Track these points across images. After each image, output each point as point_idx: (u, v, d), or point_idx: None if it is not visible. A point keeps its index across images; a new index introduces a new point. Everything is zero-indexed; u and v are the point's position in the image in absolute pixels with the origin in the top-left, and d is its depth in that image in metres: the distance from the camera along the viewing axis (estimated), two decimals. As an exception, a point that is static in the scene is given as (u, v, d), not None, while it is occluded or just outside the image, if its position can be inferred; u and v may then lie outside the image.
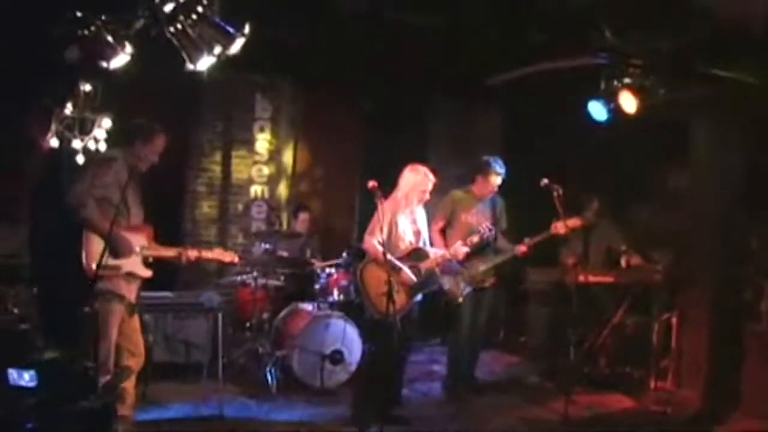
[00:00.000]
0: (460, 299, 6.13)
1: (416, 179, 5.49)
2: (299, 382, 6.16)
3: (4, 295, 5.87)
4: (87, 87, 6.32)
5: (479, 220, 6.20)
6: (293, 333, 6.28)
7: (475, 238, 5.66)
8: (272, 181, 7.88)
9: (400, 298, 5.29)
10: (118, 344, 4.62)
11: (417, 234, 5.60)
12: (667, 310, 6.68)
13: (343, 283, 6.69)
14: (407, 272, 5.34)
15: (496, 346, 8.02)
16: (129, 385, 4.77)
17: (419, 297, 5.57)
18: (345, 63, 7.36)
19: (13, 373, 3.73)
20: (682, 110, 6.49)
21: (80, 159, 6.38)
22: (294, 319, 6.48)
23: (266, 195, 7.85)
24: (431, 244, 6.08)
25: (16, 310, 5.87)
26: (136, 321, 4.78)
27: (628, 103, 6.10)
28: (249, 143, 7.78)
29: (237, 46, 4.67)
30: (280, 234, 7.22)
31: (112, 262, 4.43)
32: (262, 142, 7.84)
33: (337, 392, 6.11)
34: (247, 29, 4.63)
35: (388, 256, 5.16)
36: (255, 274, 6.51)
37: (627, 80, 6.16)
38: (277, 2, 6.10)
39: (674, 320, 6.67)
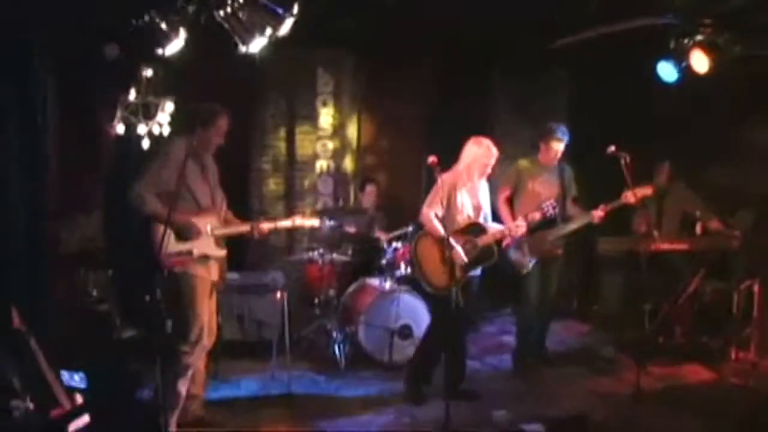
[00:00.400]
0: (526, 270, 6.04)
1: (478, 152, 5.38)
2: (368, 357, 6.21)
3: (84, 278, 6.13)
4: (149, 72, 6.42)
5: (546, 188, 6.08)
6: (361, 309, 6.32)
7: (537, 215, 5.52)
8: (337, 156, 7.87)
9: (452, 272, 5.15)
10: None
11: (477, 208, 5.48)
12: (748, 277, 6.39)
13: (410, 257, 6.67)
14: (459, 251, 5.25)
15: (569, 315, 7.86)
16: (200, 364, 4.93)
17: (477, 271, 5.47)
18: (407, 34, 7.25)
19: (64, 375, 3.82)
20: (761, 65, 6.13)
21: (146, 144, 6.51)
22: (361, 295, 6.51)
23: (332, 170, 7.85)
24: (498, 214, 6.05)
25: (95, 292, 6.14)
26: (214, 301, 4.93)
27: (700, 62, 5.83)
28: (312, 119, 7.76)
29: (286, 26, 4.66)
30: (347, 210, 7.24)
31: (183, 246, 4.59)
32: (326, 116, 7.80)
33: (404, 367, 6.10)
34: (296, 9, 4.59)
35: (442, 232, 5.18)
36: (322, 250, 6.56)
37: (699, 38, 5.88)
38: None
39: (756, 287, 6.37)
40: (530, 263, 6.03)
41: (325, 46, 7.64)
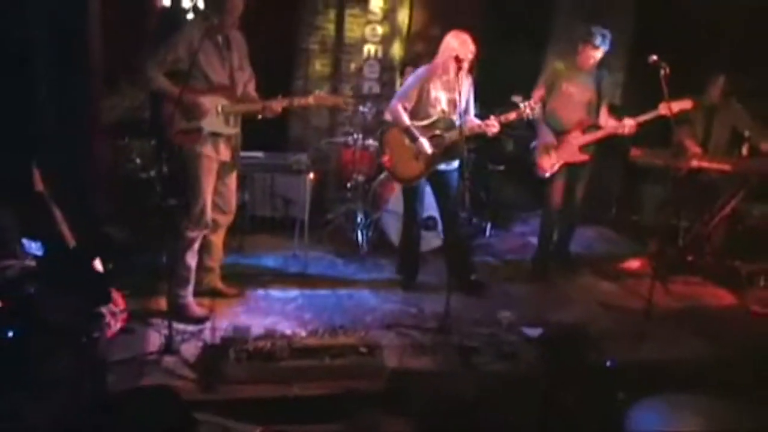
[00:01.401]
0: (548, 173, 5.95)
1: (453, 45, 5.23)
2: (390, 245, 6.33)
3: (128, 146, 6.34)
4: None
5: (580, 91, 5.92)
6: (388, 197, 6.39)
7: (512, 115, 5.26)
8: (386, 41, 7.71)
9: (417, 165, 5.37)
10: (213, 203, 4.91)
11: (452, 103, 5.34)
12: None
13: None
14: (423, 142, 5.28)
15: (605, 223, 7.74)
16: (216, 238, 5.15)
17: (452, 166, 5.48)
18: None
19: (24, 242, 4.00)
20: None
21: (190, 17, 6.53)
22: (390, 183, 6.52)
23: (379, 55, 7.71)
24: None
25: (138, 160, 6.36)
26: (232, 179, 5.04)
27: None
28: (363, 1, 7.58)
29: None
30: (388, 96, 7.16)
31: (191, 124, 4.65)
32: (377, 1, 7.63)
33: (428, 258, 6.18)
34: None
35: (407, 122, 5.28)
36: (357, 135, 6.59)
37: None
38: None
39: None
40: (553, 167, 5.94)
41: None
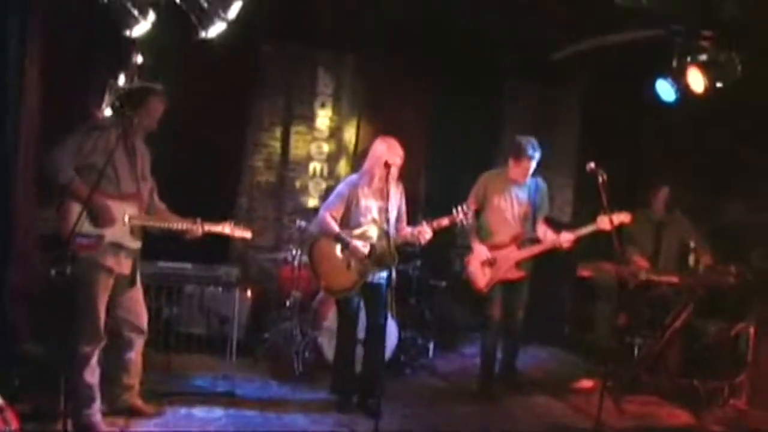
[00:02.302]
0: (484, 290, 5.76)
1: (380, 149, 5.14)
2: (329, 366, 5.98)
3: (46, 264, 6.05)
4: (139, 59, 6.38)
5: (513, 204, 5.81)
6: (326, 315, 6.10)
7: (444, 221, 5.11)
8: (332, 159, 7.72)
9: (349, 275, 5.12)
10: (119, 316, 4.60)
11: (383, 211, 5.10)
12: (743, 319, 5.94)
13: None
14: (357, 245, 5.07)
15: (557, 343, 7.49)
16: (134, 355, 4.78)
17: (382, 278, 5.19)
18: (412, 39, 7.08)
19: None
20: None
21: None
22: (329, 301, 6.26)
23: (325, 172, 7.70)
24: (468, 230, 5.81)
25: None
26: (137, 293, 4.70)
27: (697, 81, 5.45)
28: (309, 119, 7.65)
29: (234, 9, 4.53)
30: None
31: (94, 230, 4.29)
32: (323, 118, 7.69)
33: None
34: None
35: (337, 230, 5.09)
36: (296, 251, 6.38)
37: (701, 57, 5.51)
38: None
39: (751, 330, 5.92)
40: (488, 284, 5.75)
41: (328, 46, 7.53)
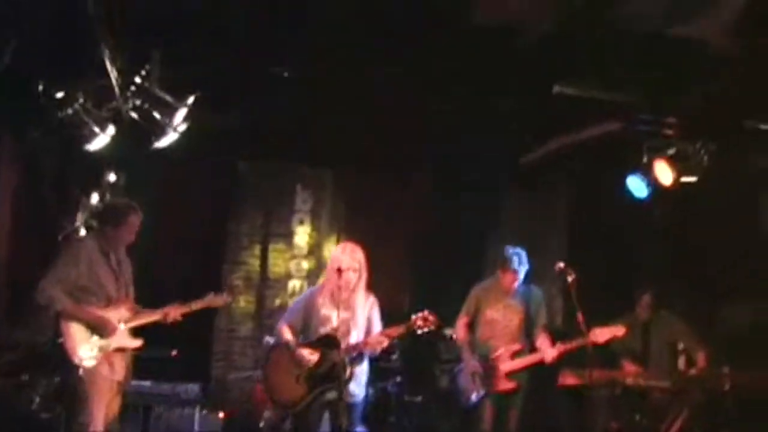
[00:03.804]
0: (472, 401, 5.45)
1: (336, 255, 5.03)
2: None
3: (29, 383, 5.89)
4: (112, 177, 6.44)
5: (505, 315, 5.61)
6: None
7: (400, 328, 4.79)
8: (312, 276, 7.55)
9: (298, 388, 4.71)
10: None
11: (345, 322, 4.79)
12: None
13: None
14: (302, 353, 4.74)
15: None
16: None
17: (358, 396, 4.84)
18: (392, 153, 7.12)
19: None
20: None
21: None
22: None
23: (305, 290, 7.51)
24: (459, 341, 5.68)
25: (38, 399, 5.86)
26: (116, 404, 4.69)
27: (665, 174, 5.35)
28: (287, 237, 7.58)
29: (179, 117, 4.58)
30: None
31: (100, 342, 4.50)
32: (302, 235, 7.61)
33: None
34: (190, 99, 4.51)
35: (288, 337, 4.83)
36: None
37: (669, 151, 5.44)
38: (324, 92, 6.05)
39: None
40: (478, 394, 5.45)
41: (305, 162, 7.58)
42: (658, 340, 6.01)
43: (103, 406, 4.49)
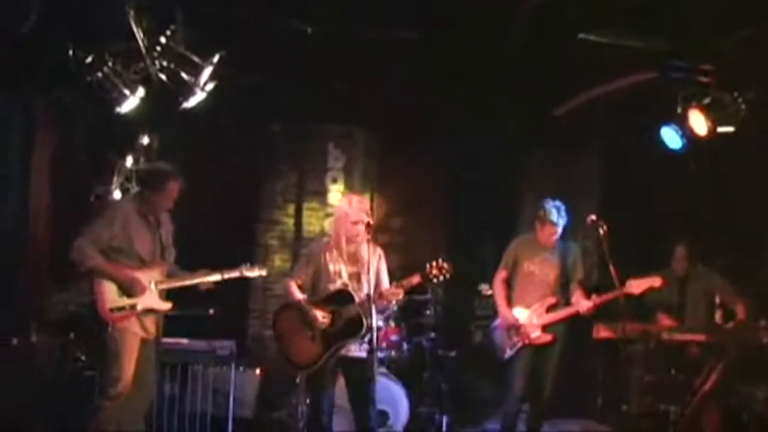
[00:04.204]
0: (507, 354, 5.46)
1: (343, 209, 4.84)
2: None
3: (74, 342, 6.07)
4: (145, 140, 6.51)
5: (543, 268, 5.57)
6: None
7: (415, 278, 4.68)
8: (347, 233, 7.58)
9: (314, 347, 4.61)
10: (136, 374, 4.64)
11: (355, 276, 4.73)
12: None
13: (393, 338, 6.22)
14: (317, 315, 4.62)
15: (590, 414, 6.99)
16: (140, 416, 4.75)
17: (358, 352, 4.68)
18: (423, 109, 7.07)
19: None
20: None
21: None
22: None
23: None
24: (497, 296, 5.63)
25: (84, 357, 6.05)
26: (149, 362, 4.76)
27: (699, 124, 5.20)
28: (321, 195, 7.59)
29: (205, 76, 4.59)
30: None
31: (127, 301, 4.59)
32: (336, 193, 7.61)
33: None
34: (215, 58, 4.51)
35: (298, 297, 4.73)
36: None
37: (705, 100, 5.28)
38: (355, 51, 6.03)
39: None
40: (513, 347, 5.45)
41: (338, 121, 7.58)
42: (694, 294, 5.91)
43: (132, 362, 4.57)
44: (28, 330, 5.67)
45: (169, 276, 4.81)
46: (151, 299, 4.66)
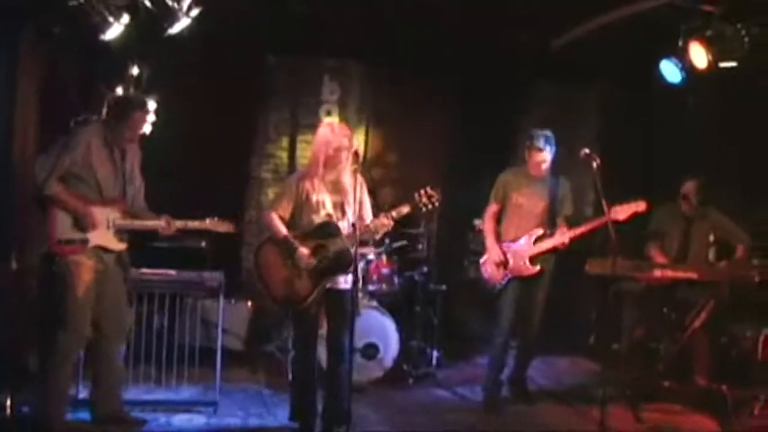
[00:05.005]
0: (498, 285, 5.45)
1: (324, 135, 4.60)
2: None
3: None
4: (135, 70, 6.38)
5: (531, 200, 5.50)
6: (322, 323, 5.85)
7: (404, 208, 4.53)
8: (341, 167, 7.51)
9: (303, 283, 4.47)
10: (101, 316, 4.51)
11: (339, 206, 4.59)
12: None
13: (385, 271, 6.20)
14: (303, 251, 4.44)
15: (582, 352, 7.03)
16: (118, 359, 4.69)
17: (346, 284, 4.56)
18: (420, 42, 6.89)
19: None
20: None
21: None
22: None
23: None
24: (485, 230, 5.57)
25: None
26: (120, 293, 4.66)
27: (699, 57, 5.06)
28: (315, 128, 7.31)
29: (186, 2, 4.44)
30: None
31: (78, 235, 4.39)
32: (330, 126, 7.48)
33: (368, 390, 5.65)
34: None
35: (283, 231, 4.53)
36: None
37: (706, 32, 5.12)
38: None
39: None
40: (502, 279, 5.44)
41: (333, 53, 7.42)
42: (700, 235, 5.87)
43: (86, 295, 4.39)
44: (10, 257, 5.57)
45: (130, 215, 4.59)
46: (105, 237, 4.46)
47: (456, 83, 7.59)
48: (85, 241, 4.39)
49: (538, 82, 7.79)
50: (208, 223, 4.76)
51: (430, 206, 4.51)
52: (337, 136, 4.55)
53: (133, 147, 4.70)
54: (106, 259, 4.51)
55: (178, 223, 4.65)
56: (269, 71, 7.45)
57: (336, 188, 4.61)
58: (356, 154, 4.55)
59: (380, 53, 7.28)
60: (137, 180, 4.72)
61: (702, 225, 5.89)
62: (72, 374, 4.57)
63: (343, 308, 4.51)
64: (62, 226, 4.36)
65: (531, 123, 7.78)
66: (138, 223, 4.61)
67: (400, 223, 4.88)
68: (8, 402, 4.61)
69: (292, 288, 4.49)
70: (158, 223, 4.61)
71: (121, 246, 4.57)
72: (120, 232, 4.55)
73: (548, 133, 5.43)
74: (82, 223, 4.38)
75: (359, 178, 4.58)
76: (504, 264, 5.44)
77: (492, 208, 5.64)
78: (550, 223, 5.50)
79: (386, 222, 4.51)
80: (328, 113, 7.52)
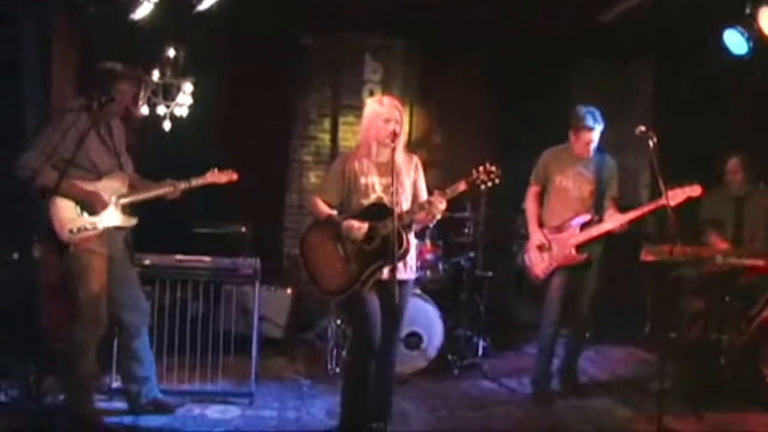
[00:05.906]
0: (541, 277, 5.16)
1: (372, 110, 4.21)
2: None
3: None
4: (171, 52, 6.24)
5: (576, 182, 5.17)
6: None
7: (461, 185, 4.07)
8: (385, 149, 7.27)
9: (349, 269, 4.07)
10: (117, 301, 4.44)
11: (389, 188, 4.02)
12: None
13: (429, 257, 5.96)
14: (352, 224, 4.05)
15: (637, 342, 6.69)
16: (142, 343, 4.59)
17: (410, 275, 4.27)
18: (468, 19, 6.59)
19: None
20: None
21: (167, 125, 6.35)
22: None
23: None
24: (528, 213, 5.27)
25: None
26: (131, 276, 4.58)
27: (768, 22, 4.64)
28: (358, 109, 7.18)
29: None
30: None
31: (88, 221, 4.25)
32: (372, 108, 7.25)
33: (411, 381, 5.44)
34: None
35: (327, 210, 4.18)
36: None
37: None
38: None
39: None
40: (546, 270, 5.15)
41: (378, 31, 7.18)
42: (753, 216, 5.48)
43: (99, 283, 4.28)
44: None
45: (132, 188, 4.46)
46: (114, 216, 4.35)
47: (503, 61, 7.24)
48: (96, 226, 4.27)
49: (588, 58, 7.40)
50: (209, 177, 4.68)
51: (489, 183, 4.08)
52: (386, 107, 4.19)
53: (117, 123, 4.53)
54: (117, 238, 4.42)
55: (183, 184, 4.56)
56: (309, 50, 7.23)
57: (387, 169, 4.09)
58: (396, 133, 4.13)
59: (423, 30, 7.00)
60: (125, 155, 4.55)
61: (754, 205, 5.52)
62: (97, 363, 4.45)
63: (400, 300, 4.02)
64: (68, 214, 4.20)
65: (581, 101, 7.43)
66: (143, 194, 4.47)
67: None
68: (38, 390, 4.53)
69: (337, 275, 4.11)
70: (165, 189, 4.49)
71: (132, 221, 4.47)
72: (126, 207, 4.43)
73: (595, 110, 5.10)
74: (90, 208, 4.25)
75: (414, 158, 4.30)
76: (548, 249, 5.13)
77: (533, 189, 5.33)
78: (597, 207, 5.16)
79: (441, 200, 4.05)
80: (371, 93, 7.26)
